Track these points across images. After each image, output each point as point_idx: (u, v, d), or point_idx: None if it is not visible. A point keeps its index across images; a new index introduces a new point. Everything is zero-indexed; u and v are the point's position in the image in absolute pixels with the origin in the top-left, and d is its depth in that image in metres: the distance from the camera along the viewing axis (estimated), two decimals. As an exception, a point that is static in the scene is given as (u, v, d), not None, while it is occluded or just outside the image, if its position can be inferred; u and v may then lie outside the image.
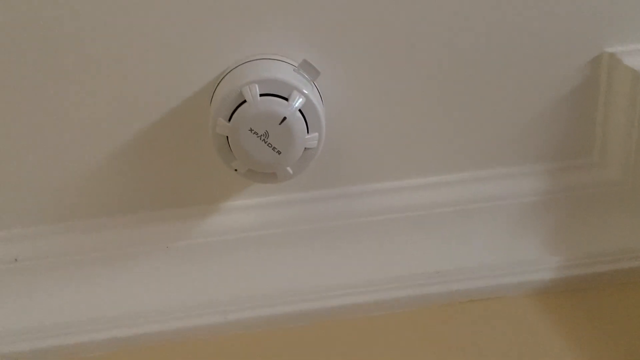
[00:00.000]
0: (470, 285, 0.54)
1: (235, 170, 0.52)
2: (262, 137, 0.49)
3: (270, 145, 0.50)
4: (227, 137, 0.50)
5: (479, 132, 0.59)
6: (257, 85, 0.49)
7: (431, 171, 0.60)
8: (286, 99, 0.49)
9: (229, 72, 0.53)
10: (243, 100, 0.49)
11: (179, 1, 0.50)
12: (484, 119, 0.58)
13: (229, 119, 0.49)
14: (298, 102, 0.49)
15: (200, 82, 0.54)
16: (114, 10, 0.50)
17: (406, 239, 0.58)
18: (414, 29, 0.53)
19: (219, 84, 0.53)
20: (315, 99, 0.51)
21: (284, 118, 0.49)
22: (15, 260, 0.58)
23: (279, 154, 0.50)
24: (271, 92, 0.49)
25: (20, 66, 0.51)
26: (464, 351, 0.51)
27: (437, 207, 0.59)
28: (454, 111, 0.58)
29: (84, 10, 0.49)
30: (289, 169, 0.52)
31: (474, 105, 0.58)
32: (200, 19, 0.51)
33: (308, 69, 0.51)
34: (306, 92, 0.50)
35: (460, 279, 0.54)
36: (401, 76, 0.56)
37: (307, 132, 0.50)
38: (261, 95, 0.49)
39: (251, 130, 0.49)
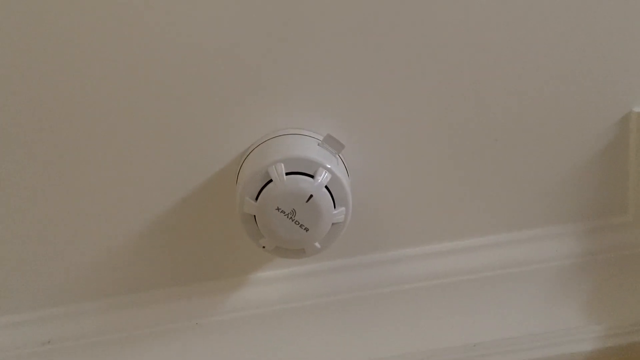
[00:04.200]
0: (511, 358, 0.52)
1: (263, 247, 0.52)
2: (289, 215, 0.49)
3: (297, 222, 0.49)
4: (255, 215, 0.50)
5: (508, 194, 0.58)
6: (282, 165, 0.49)
7: (461, 235, 0.59)
8: (312, 176, 0.49)
9: (254, 149, 0.53)
10: (269, 179, 0.49)
11: (198, 79, 0.51)
12: (513, 180, 0.57)
13: (256, 198, 0.50)
14: (324, 178, 0.49)
15: (225, 159, 0.54)
16: (136, 90, 0.51)
17: (439, 309, 0.57)
18: (437, 95, 0.53)
19: (244, 161, 0.53)
20: (340, 173, 0.51)
21: (311, 196, 0.49)
22: (49, 342, 0.58)
23: (307, 230, 0.50)
24: (297, 170, 0.49)
25: (46, 147, 0.52)
26: None
27: (469, 273, 0.58)
28: (481, 173, 0.57)
29: (105, 90, 0.51)
30: (317, 244, 0.51)
31: (503, 167, 0.57)
32: (221, 96, 0.52)
33: (332, 142, 0.51)
34: (331, 167, 0.50)
35: (499, 352, 0.52)
36: (426, 141, 0.55)
37: (334, 207, 0.50)
38: (287, 173, 0.49)
39: (278, 209, 0.49)
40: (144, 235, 0.57)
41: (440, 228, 0.59)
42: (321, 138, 0.52)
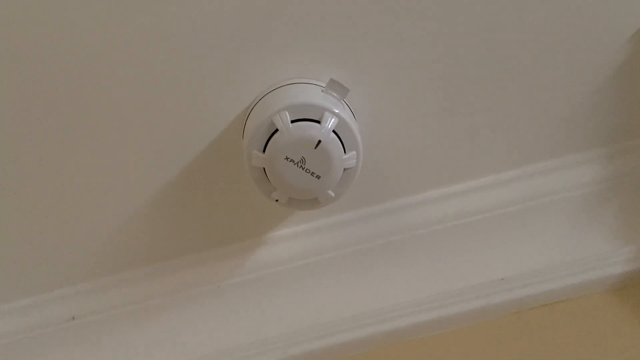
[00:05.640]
0: (539, 290, 0.51)
1: (277, 200, 0.51)
2: (299, 164, 0.48)
3: (308, 171, 0.48)
4: (264, 168, 0.49)
5: (524, 124, 0.56)
6: (287, 112, 0.48)
7: (480, 172, 0.58)
8: (318, 122, 0.48)
9: (258, 102, 0.52)
10: (275, 129, 0.48)
11: (197, 36, 0.49)
12: (529, 111, 0.56)
13: (264, 150, 0.49)
14: (331, 123, 0.48)
15: (229, 116, 0.53)
16: (136, 50, 0.49)
17: (464, 248, 0.56)
18: (443, 27, 0.51)
19: (248, 115, 0.52)
20: (348, 117, 0.49)
21: (319, 141, 0.48)
22: (73, 318, 0.58)
23: (318, 178, 0.49)
24: (302, 117, 0.48)
25: (53, 121, 0.51)
26: (541, 360, 0.49)
27: (491, 209, 0.57)
28: (495, 106, 0.55)
29: (107, 57, 0.49)
30: (330, 192, 0.50)
31: (516, 98, 0.55)
32: (220, 52, 0.50)
33: (337, 87, 0.50)
34: (338, 111, 0.48)
35: (528, 284, 0.51)
36: (433, 76, 0.53)
37: (344, 152, 0.49)
38: (293, 121, 0.48)
39: (287, 158, 0.48)
40: (157, 205, 0.56)
41: (456, 168, 0.58)
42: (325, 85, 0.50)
